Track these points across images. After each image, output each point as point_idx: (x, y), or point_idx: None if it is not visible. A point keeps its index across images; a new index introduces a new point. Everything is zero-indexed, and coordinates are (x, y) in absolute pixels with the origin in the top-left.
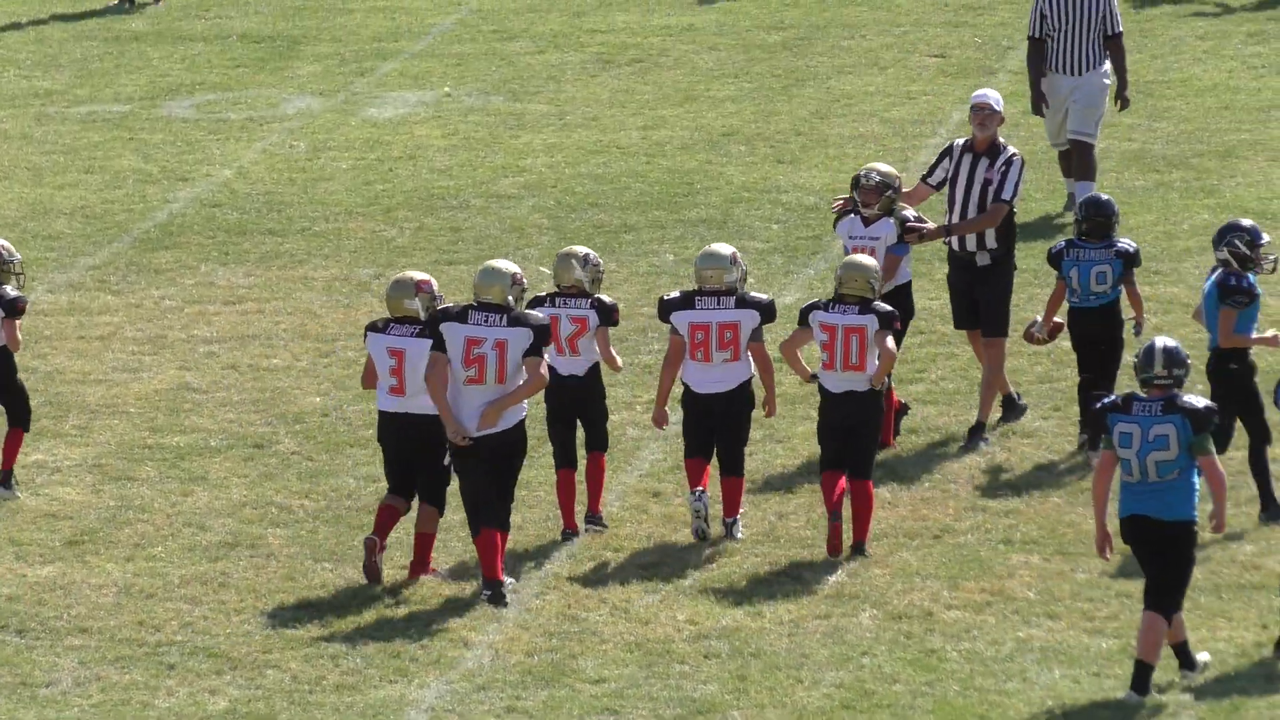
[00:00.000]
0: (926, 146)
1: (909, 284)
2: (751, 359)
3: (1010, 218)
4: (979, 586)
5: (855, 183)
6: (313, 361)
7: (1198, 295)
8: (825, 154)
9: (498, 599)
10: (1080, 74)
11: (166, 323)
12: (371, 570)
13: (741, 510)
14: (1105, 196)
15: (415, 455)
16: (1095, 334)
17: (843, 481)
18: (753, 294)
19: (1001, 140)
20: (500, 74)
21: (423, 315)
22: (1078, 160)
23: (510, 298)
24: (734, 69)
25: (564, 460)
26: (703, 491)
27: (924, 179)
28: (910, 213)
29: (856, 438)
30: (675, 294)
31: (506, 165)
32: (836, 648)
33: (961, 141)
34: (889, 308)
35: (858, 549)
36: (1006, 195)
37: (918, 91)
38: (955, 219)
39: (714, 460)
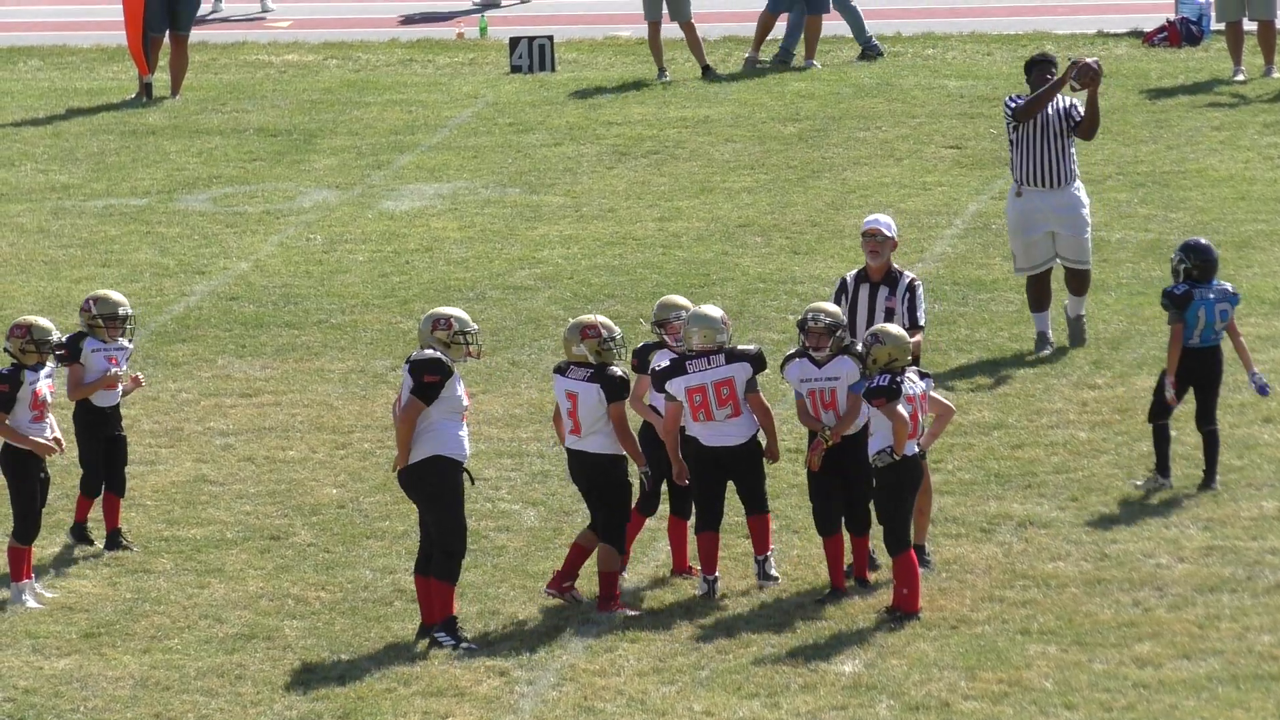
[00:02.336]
0: (942, 237)
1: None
2: (751, 410)
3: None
4: (996, 677)
5: (802, 325)
6: (329, 453)
7: None
8: (841, 245)
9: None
10: (1058, 186)
11: (183, 415)
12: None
13: (772, 548)
14: (1204, 240)
15: (592, 491)
16: (1212, 372)
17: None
18: (739, 346)
19: (896, 266)
20: (516, 166)
21: (591, 359)
22: (1075, 282)
23: (721, 340)
24: (750, 160)
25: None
26: (715, 580)
27: None
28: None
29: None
30: (665, 362)
31: (523, 257)
32: None
33: (853, 273)
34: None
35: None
36: (921, 321)
37: (933, 183)
38: (859, 347)
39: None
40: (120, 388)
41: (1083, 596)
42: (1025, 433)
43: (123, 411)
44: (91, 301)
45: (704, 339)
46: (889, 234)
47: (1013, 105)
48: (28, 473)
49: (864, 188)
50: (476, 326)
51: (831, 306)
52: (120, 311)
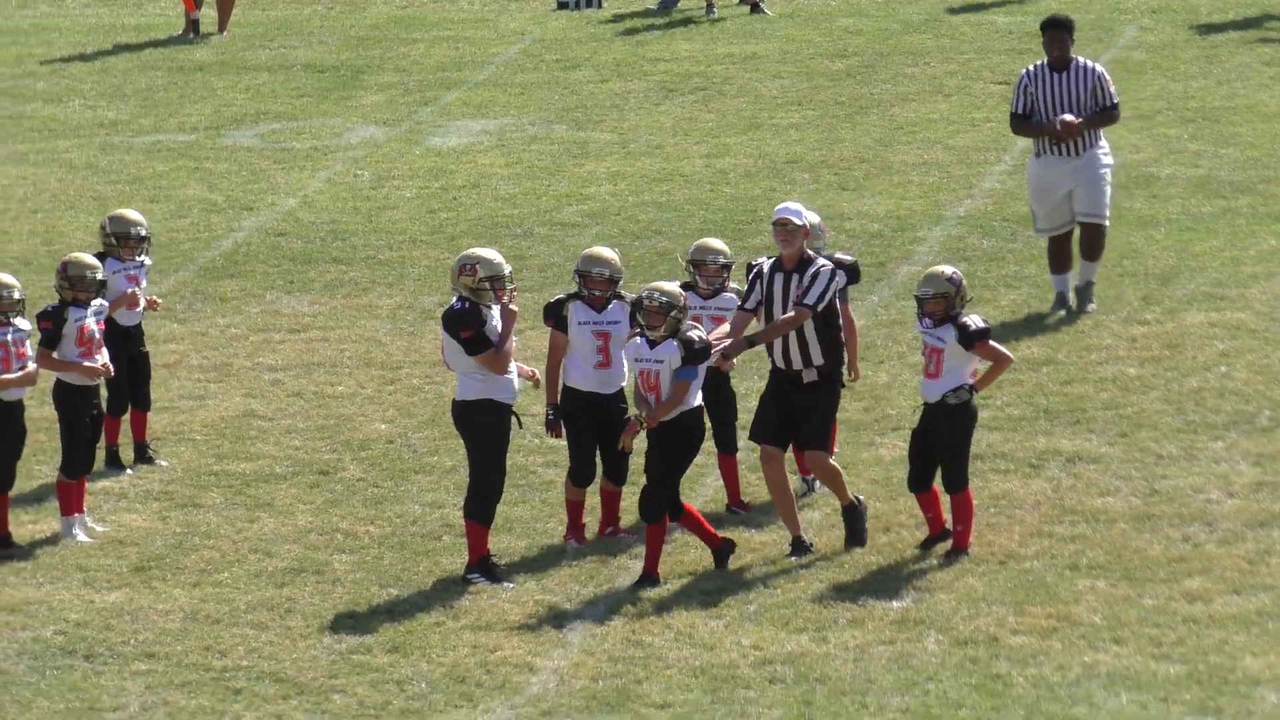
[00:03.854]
0: (991, 173)
1: (700, 409)
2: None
3: (837, 334)
4: (1045, 612)
5: (638, 304)
6: (378, 389)
7: (1265, 321)
8: (889, 181)
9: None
10: (1078, 155)
11: (232, 350)
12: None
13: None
14: None
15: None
16: None
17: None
18: (838, 254)
19: (810, 253)
20: (563, 102)
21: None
22: (1089, 242)
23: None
24: (797, 96)
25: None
26: (814, 478)
27: (740, 306)
28: (698, 333)
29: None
30: (765, 260)
31: (570, 193)
32: (902, 673)
33: (769, 261)
34: (974, 324)
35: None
36: (810, 301)
37: (981, 119)
38: (783, 340)
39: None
40: (141, 305)
41: (1132, 532)
42: (1074, 369)
43: (171, 347)
44: (107, 220)
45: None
46: (799, 222)
47: (1016, 107)
48: (78, 408)
49: (912, 124)
50: (508, 269)
51: (670, 286)
52: (133, 231)
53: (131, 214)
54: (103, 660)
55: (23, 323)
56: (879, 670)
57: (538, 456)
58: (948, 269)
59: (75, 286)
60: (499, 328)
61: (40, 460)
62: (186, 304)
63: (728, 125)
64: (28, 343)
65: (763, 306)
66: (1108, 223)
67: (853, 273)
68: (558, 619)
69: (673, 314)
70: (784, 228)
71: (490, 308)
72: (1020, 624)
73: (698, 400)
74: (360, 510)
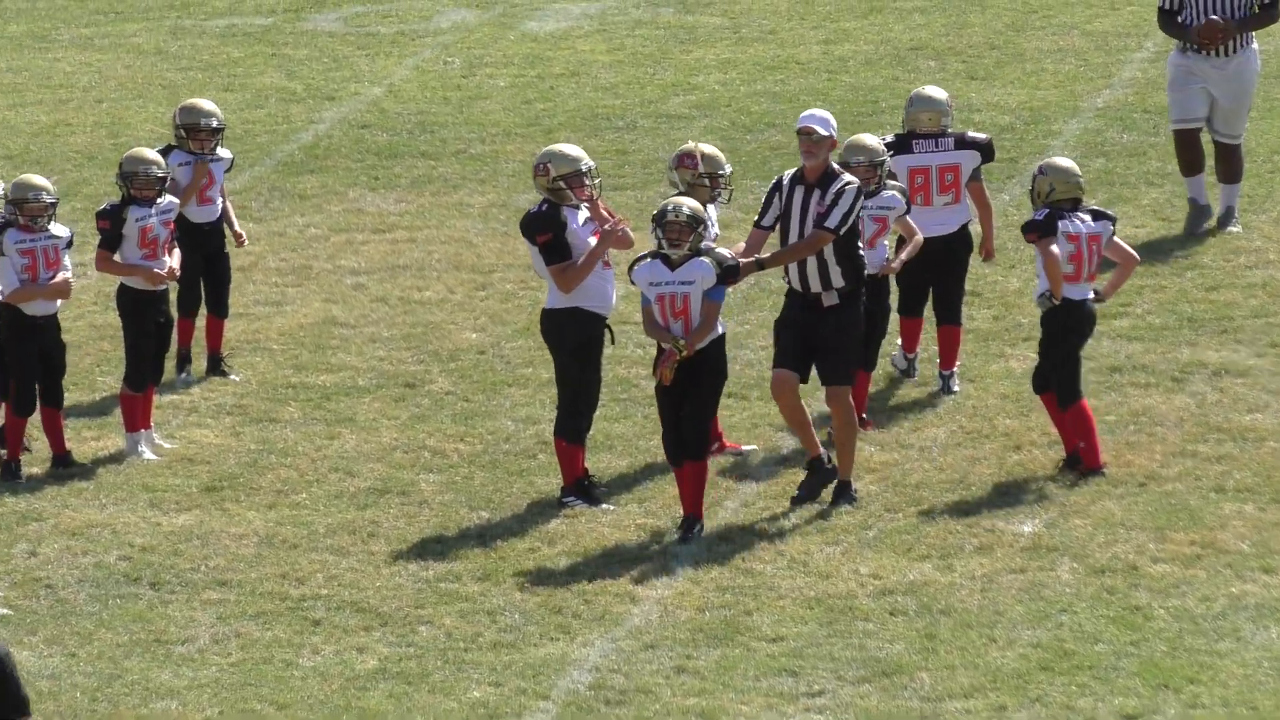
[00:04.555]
0: (1131, 61)
1: (723, 336)
2: (971, 201)
3: (857, 251)
4: (1188, 538)
5: (659, 218)
6: (468, 294)
7: None
8: (1022, 69)
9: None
10: (1226, 56)
11: (311, 252)
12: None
13: (958, 363)
14: None
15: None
16: None
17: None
18: (971, 133)
19: (836, 166)
20: None
21: (680, 189)
22: (1226, 163)
23: (945, 123)
24: None
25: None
26: (914, 358)
27: (757, 223)
28: (725, 251)
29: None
30: (890, 138)
31: (676, 83)
32: (1033, 604)
33: (790, 173)
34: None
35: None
36: (831, 224)
37: (1121, 2)
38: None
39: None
40: (218, 204)
41: None
42: (1221, 273)
43: (246, 248)
44: (178, 111)
45: (930, 121)
46: (825, 133)
47: (1164, 2)
48: (143, 314)
49: (1047, 7)
50: (587, 164)
51: (692, 201)
52: (204, 122)
53: (204, 103)
54: (170, 589)
55: (59, 229)
56: (1008, 601)
57: (640, 369)
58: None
59: (132, 183)
60: (580, 233)
61: (105, 371)
62: (263, 202)
63: (847, 8)
64: (63, 251)
65: (780, 222)
66: (1241, 142)
67: (987, 151)
68: (661, 545)
69: (700, 229)
70: (809, 137)
71: (577, 209)
72: (1161, 551)
73: (722, 327)
74: (449, 426)
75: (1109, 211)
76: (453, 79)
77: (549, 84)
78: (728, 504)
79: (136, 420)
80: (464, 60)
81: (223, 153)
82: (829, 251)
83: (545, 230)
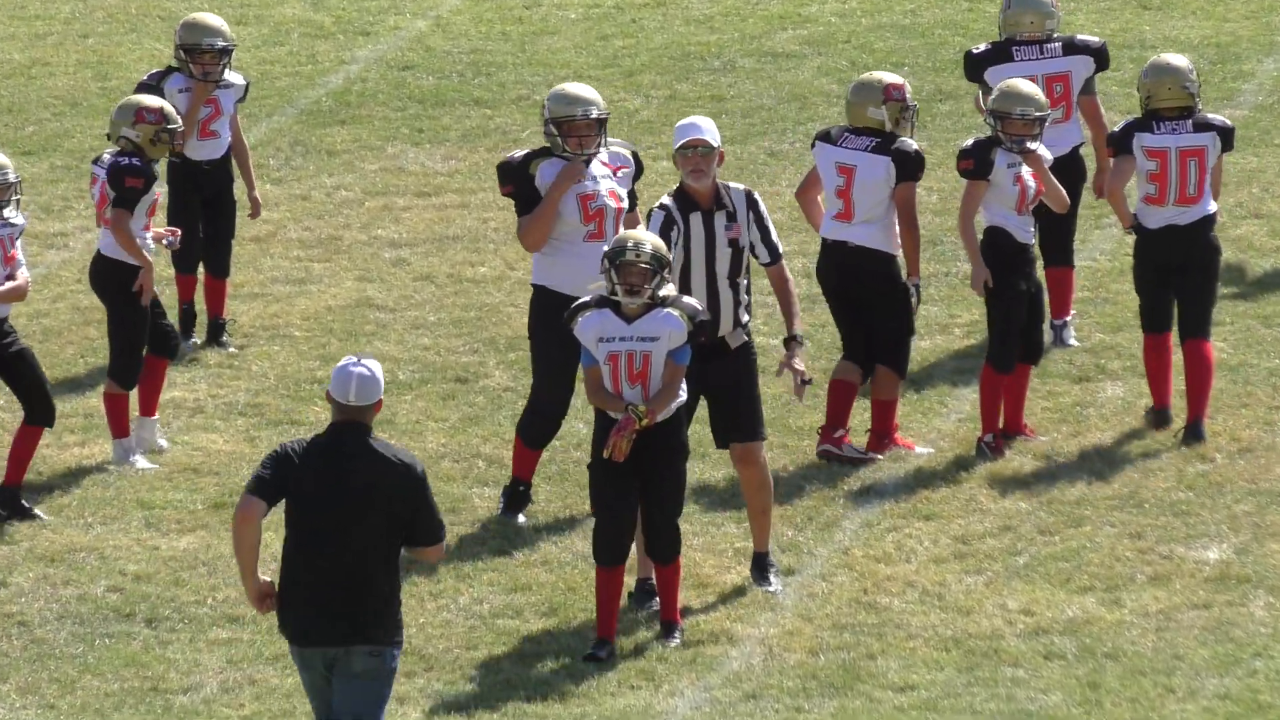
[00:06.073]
0: None
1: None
2: (1083, 118)
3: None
4: None
5: (614, 258)
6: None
7: None
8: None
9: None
10: None
11: (341, 220)
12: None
13: (1073, 313)
14: None
15: (856, 294)
16: None
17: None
18: (1081, 36)
19: (721, 183)
20: None
21: (889, 126)
22: None
23: (1050, 26)
24: None
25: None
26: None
27: None
28: (692, 300)
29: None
30: (984, 46)
31: (784, 14)
32: (1220, 647)
33: (671, 200)
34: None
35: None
36: (781, 250)
37: None
38: (706, 300)
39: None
40: (223, 138)
41: None
42: None
43: (263, 215)
44: (179, 29)
45: (1034, 26)
46: (716, 144)
47: None
48: (135, 296)
49: None
50: (584, 109)
51: (655, 238)
52: (206, 41)
53: (209, 18)
54: (170, 626)
55: (13, 215)
56: (1190, 643)
57: None
58: None
59: (193, 57)
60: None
61: (90, 363)
62: (283, 159)
63: None
64: (18, 242)
65: (684, 258)
66: None
67: (1100, 57)
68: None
69: (664, 273)
70: (696, 151)
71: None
72: None
73: (684, 392)
74: (507, 430)
75: (1222, 121)
76: (513, 9)
77: (629, 15)
78: (846, 524)
79: (125, 424)
80: None
81: (232, 77)
82: (744, 284)
83: (506, 181)
